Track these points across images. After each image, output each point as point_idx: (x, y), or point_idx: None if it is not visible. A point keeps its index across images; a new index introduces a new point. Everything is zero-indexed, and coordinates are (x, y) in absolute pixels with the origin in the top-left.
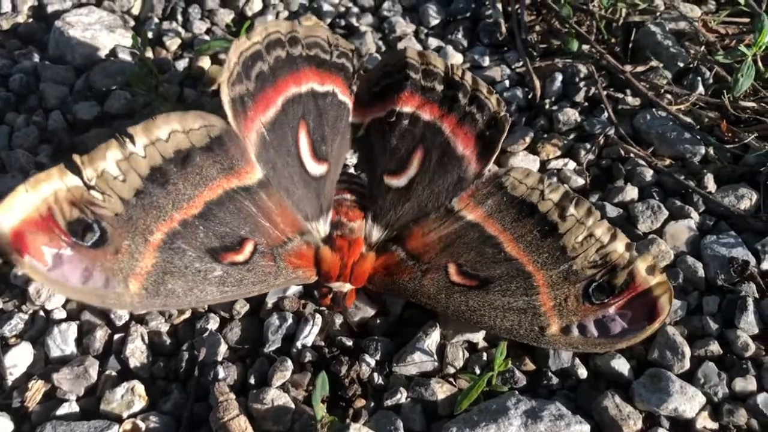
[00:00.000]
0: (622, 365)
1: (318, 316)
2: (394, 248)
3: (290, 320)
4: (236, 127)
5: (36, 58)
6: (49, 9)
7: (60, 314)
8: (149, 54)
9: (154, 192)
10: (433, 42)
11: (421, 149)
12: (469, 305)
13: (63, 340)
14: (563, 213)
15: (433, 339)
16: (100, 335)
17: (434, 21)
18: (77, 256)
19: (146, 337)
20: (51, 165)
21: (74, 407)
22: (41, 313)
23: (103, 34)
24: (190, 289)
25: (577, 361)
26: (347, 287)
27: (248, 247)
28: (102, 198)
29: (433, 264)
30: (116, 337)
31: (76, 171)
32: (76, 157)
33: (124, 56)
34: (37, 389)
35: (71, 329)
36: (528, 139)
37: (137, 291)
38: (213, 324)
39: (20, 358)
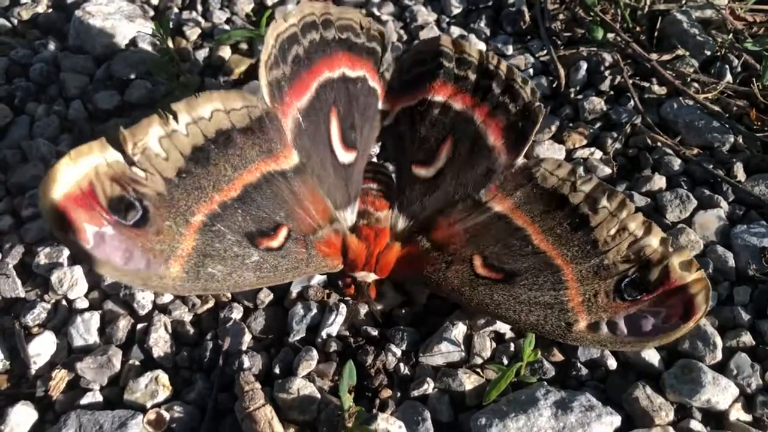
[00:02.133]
0: (652, 356)
1: (342, 305)
2: (419, 238)
3: (315, 310)
4: (274, 110)
5: (55, 47)
6: None
7: (82, 303)
8: (170, 43)
9: (196, 172)
10: (456, 31)
11: (451, 139)
12: (493, 299)
13: (86, 330)
14: (595, 205)
15: (459, 329)
16: (123, 324)
17: (456, 10)
18: (119, 235)
19: (169, 327)
20: None
21: (98, 396)
22: (63, 302)
23: (122, 23)
24: (229, 273)
25: (607, 351)
26: (372, 277)
27: (282, 233)
28: (144, 176)
29: (457, 255)
30: (139, 326)
31: (118, 146)
32: (121, 130)
33: (144, 46)
34: (60, 378)
35: (94, 318)
36: (554, 128)
37: (178, 274)
38: (237, 313)
39: (43, 347)
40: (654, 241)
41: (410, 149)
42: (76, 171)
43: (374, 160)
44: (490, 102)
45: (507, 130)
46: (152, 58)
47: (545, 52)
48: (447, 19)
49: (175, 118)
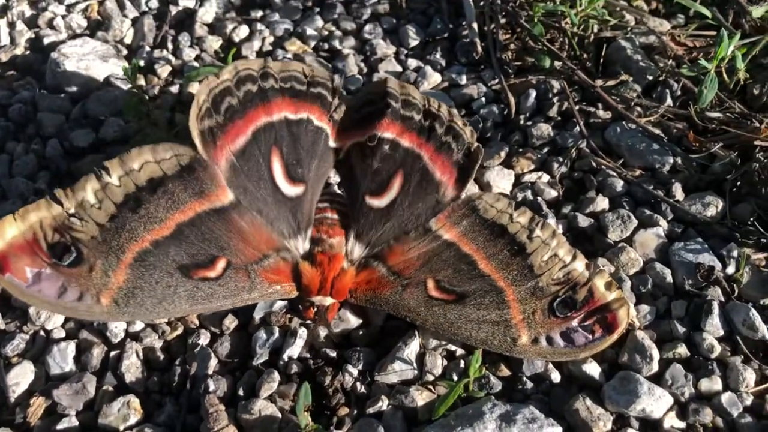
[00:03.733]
0: (593, 369)
1: (303, 329)
2: (375, 264)
3: (277, 334)
4: (205, 155)
5: (33, 88)
6: (46, 41)
7: (59, 333)
8: (141, 81)
9: (126, 216)
10: (413, 62)
11: (401, 173)
12: (447, 318)
13: (62, 358)
14: (530, 234)
15: (412, 348)
16: (97, 353)
17: (413, 42)
18: (55, 275)
19: (141, 353)
20: (49, 191)
21: (74, 422)
22: (41, 332)
23: (96, 63)
24: (158, 302)
25: (551, 366)
26: (329, 301)
27: (221, 264)
28: (80, 223)
29: (412, 279)
30: (112, 354)
31: (60, 202)
32: (59, 191)
33: (118, 83)
34: (38, 405)
35: (70, 348)
36: (503, 154)
37: (107, 304)
38: (204, 339)
39: (22, 376)
40: (580, 266)
41: (363, 181)
42: (23, 225)
43: (335, 189)
44: (435, 141)
45: (452, 166)
46: (124, 97)
47: (497, 81)
48: (405, 51)
49: (108, 173)
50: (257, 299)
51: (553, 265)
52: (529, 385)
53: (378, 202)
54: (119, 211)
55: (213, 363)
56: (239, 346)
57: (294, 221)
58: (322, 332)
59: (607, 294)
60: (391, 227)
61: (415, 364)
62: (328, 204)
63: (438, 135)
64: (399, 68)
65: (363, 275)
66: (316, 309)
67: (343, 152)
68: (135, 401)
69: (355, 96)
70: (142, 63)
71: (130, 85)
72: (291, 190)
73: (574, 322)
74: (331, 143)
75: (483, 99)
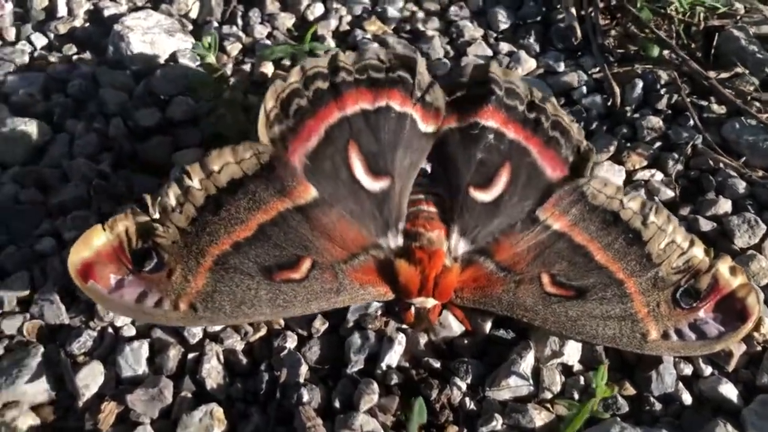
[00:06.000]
0: (730, 391)
1: (401, 335)
2: (481, 260)
3: (373, 339)
4: (282, 155)
5: (93, 62)
6: (106, 13)
7: (129, 331)
8: (211, 59)
9: (207, 219)
10: (504, 46)
11: (508, 167)
12: (569, 316)
13: (135, 360)
14: (645, 221)
15: (528, 362)
16: (174, 354)
17: (503, 25)
18: (136, 281)
19: (221, 356)
20: (113, 173)
21: (149, 431)
22: (110, 329)
23: (162, 38)
24: (238, 306)
25: (681, 386)
26: (431, 302)
27: (305, 264)
28: (162, 229)
29: (525, 275)
30: (190, 356)
31: (146, 209)
32: (147, 198)
33: (185, 61)
34: (109, 411)
35: (143, 348)
36: (612, 149)
37: (185, 309)
38: (291, 342)
39: (91, 377)
40: (699, 252)
41: (466, 172)
42: (111, 234)
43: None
44: (542, 135)
45: (562, 163)
46: (194, 74)
47: (598, 69)
48: (494, 35)
49: (190, 177)
50: (346, 302)
51: (672, 253)
52: (658, 406)
53: (484, 196)
54: (200, 215)
55: (304, 370)
56: (330, 351)
57: (381, 217)
58: (422, 339)
59: (732, 280)
60: (498, 221)
61: (530, 380)
62: (423, 196)
63: (544, 129)
64: (489, 52)
65: (469, 272)
66: (416, 312)
67: (437, 138)
68: (218, 411)
69: (449, 78)
70: (210, 40)
71: (198, 62)
72: (374, 184)
73: (702, 313)
74: (423, 128)
75: (584, 88)
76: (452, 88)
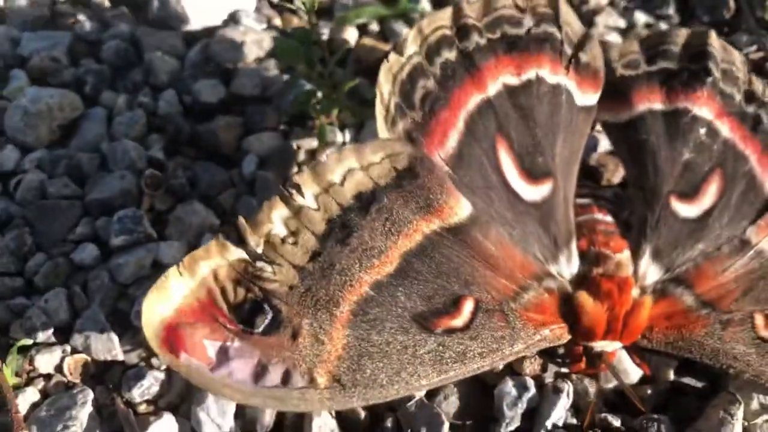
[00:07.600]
0: None
1: (568, 383)
2: (677, 291)
3: (533, 389)
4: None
5: (131, 21)
6: None
7: None
8: (277, 21)
9: (335, 251)
10: (641, 17)
11: (720, 173)
12: None
13: (219, 412)
14: None
15: (738, 422)
16: None
17: None
18: (247, 347)
19: (333, 410)
20: (168, 162)
21: None
22: None
23: None
24: (396, 372)
25: None
26: (615, 346)
27: (467, 306)
28: (271, 269)
29: (734, 313)
30: None
31: (239, 241)
32: (242, 224)
33: (249, 22)
34: None
35: None
36: None
37: (327, 384)
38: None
39: None
40: None
41: (669, 174)
42: (191, 280)
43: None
44: (764, 138)
45: None
46: (279, 41)
47: (755, 47)
48: (623, 3)
49: (300, 192)
50: (522, 352)
51: None
52: None
53: (687, 209)
54: (322, 246)
55: (446, 429)
56: (472, 402)
57: (547, 234)
58: (591, 388)
59: None
60: (702, 243)
61: None
62: (589, 200)
63: (766, 129)
64: (621, 22)
65: (660, 307)
66: (590, 357)
67: (627, 121)
68: None
69: (645, 36)
70: None
71: (265, 25)
72: (534, 191)
73: None
74: (580, 100)
75: None
76: (649, 54)
